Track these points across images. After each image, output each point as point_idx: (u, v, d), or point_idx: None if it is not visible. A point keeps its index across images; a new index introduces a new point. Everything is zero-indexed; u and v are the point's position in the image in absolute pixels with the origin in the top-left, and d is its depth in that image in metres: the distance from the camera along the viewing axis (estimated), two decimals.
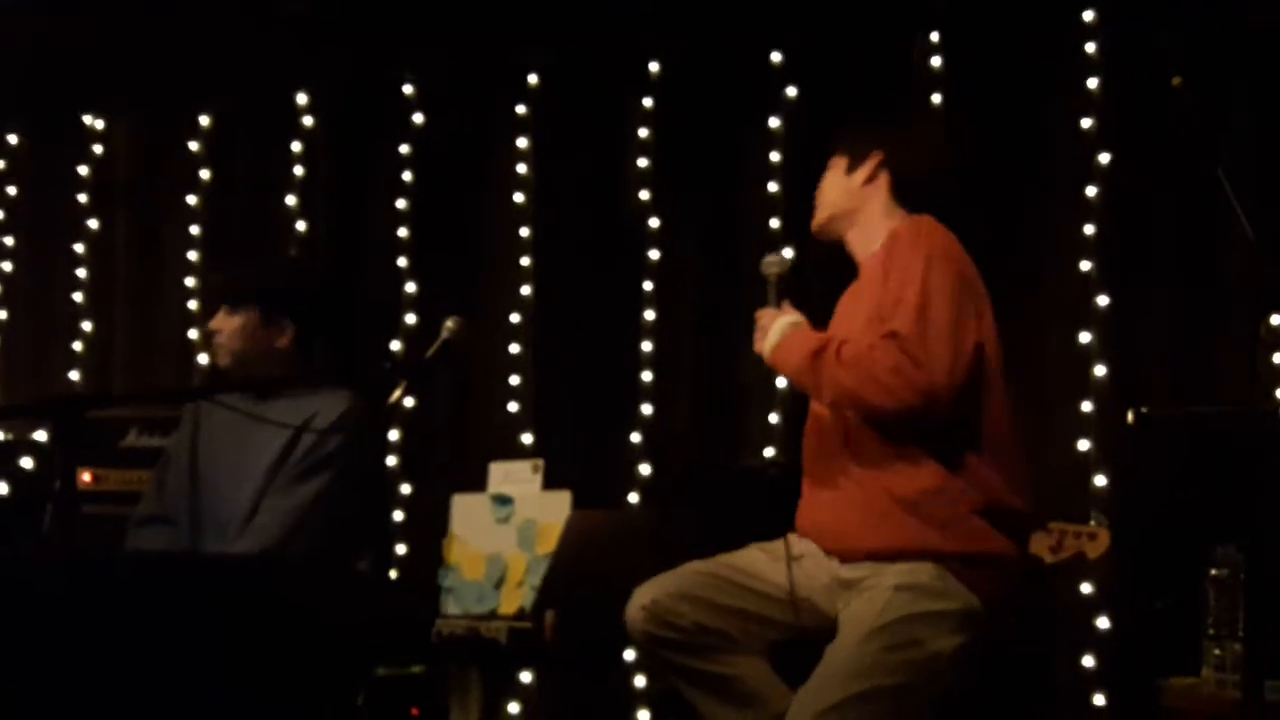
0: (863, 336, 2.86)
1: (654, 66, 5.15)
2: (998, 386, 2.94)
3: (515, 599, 3.54)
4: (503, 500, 3.74)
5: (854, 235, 3.07)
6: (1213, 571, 3.40)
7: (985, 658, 3.06)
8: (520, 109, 5.33)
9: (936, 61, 4.78)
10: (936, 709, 2.81)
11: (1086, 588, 4.40)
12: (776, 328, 2.94)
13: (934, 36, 4.79)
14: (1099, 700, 4.35)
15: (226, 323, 3.37)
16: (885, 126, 3.13)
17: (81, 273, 5.93)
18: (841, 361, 2.81)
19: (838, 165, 3.09)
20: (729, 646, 2.91)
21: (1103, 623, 4.39)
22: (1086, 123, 4.59)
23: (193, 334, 5.56)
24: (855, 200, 3.05)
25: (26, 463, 4.87)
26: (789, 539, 3.01)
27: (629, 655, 4.38)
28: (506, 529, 3.68)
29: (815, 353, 2.85)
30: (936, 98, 4.77)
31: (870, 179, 3.04)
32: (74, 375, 5.86)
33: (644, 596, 2.91)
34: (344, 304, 5.48)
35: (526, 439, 5.16)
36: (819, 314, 3.12)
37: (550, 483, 3.93)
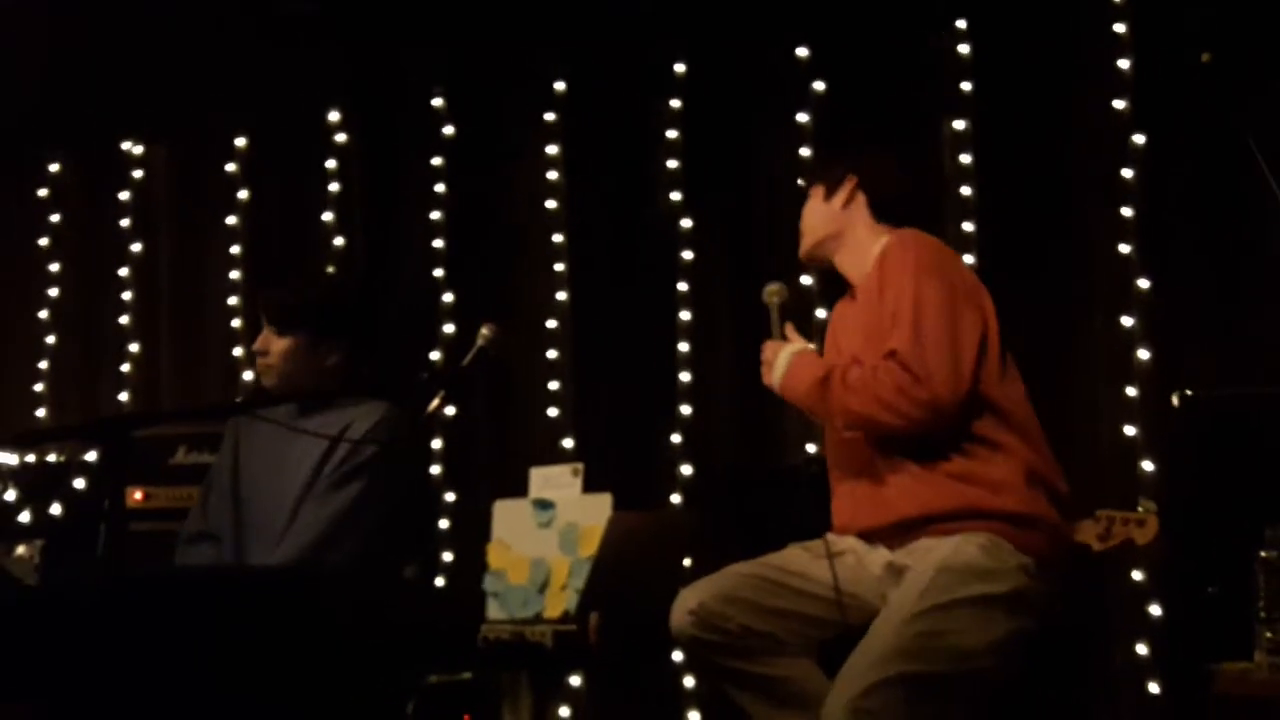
0: (864, 355, 2.94)
1: (680, 67, 5.16)
2: (1014, 373, 2.99)
3: (559, 602, 3.54)
4: (544, 505, 3.75)
5: (843, 257, 3.15)
6: (1262, 554, 3.36)
7: (1034, 645, 3.05)
8: (549, 116, 5.35)
9: (965, 49, 4.76)
10: (980, 699, 2.79)
11: (1138, 575, 4.36)
12: (781, 359, 3.00)
13: (961, 23, 4.76)
14: (1153, 688, 4.31)
15: (274, 344, 3.36)
16: (855, 151, 3.22)
17: (127, 295, 6.01)
18: (848, 386, 2.88)
19: (816, 194, 3.18)
20: (776, 648, 2.91)
21: (1155, 610, 4.35)
22: (1119, 104, 4.55)
23: (237, 351, 5.61)
24: (837, 223, 3.13)
25: (79, 483, 4.93)
26: (828, 538, 3.00)
27: (677, 656, 4.38)
28: (549, 533, 3.69)
29: (821, 380, 2.91)
30: (966, 85, 4.74)
31: (848, 201, 3.12)
32: (123, 396, 5.94)
33: (689, 600, 2.91)
34: (386, 320, 5.53)
35: (567, 443, 5.17)
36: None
37: (591, 486, 3.94)
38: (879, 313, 2.94)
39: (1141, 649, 4.37)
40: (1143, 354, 4.46)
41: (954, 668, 2.73)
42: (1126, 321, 4.50)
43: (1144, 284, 4.48)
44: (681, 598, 2.93)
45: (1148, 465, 4.41)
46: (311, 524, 3.16)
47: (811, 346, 3.06)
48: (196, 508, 3.45)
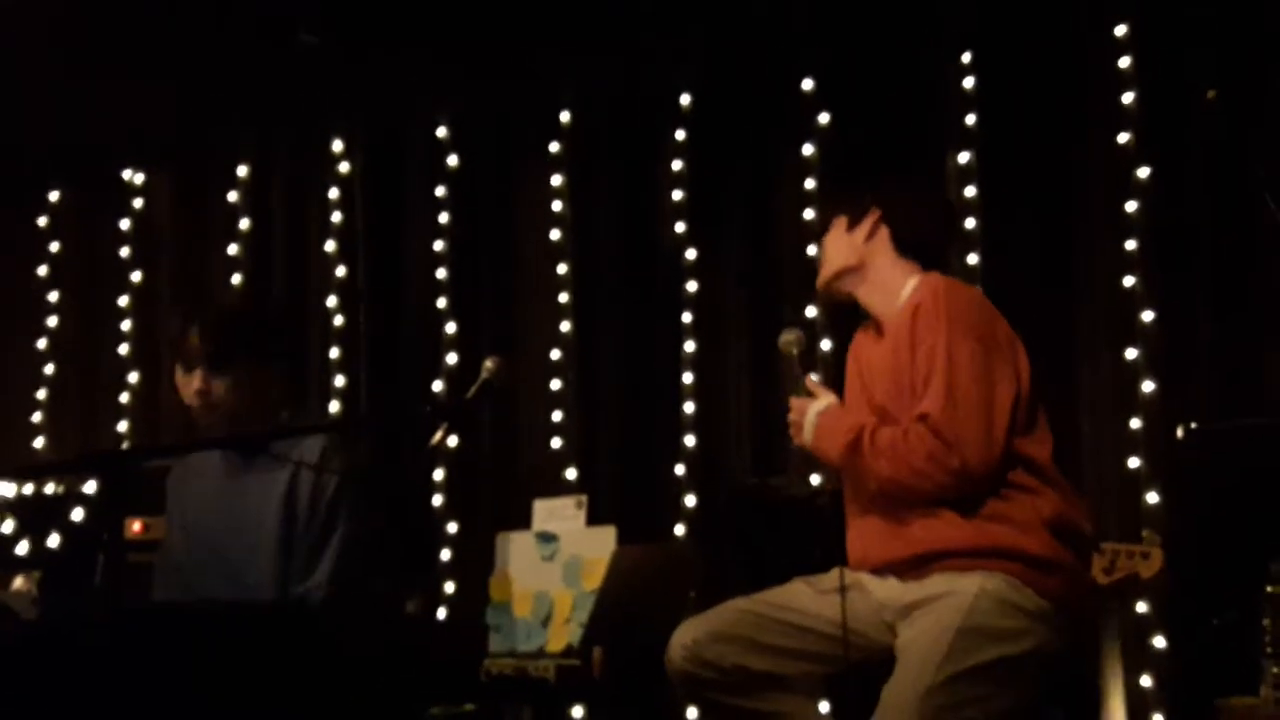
0: (892, 407, 2.91)
1: (685, 99, 5.16)
2: (1043, 421, 2.96)
3: (563, 636, 3.53)
4: (548, 538, 3.74)
5: (866, 291, 3.10)
6: (1269, 589, 3.34)
7: (1052, 693, 3.05)
8: (554, 146, 5.35)
9: (969, 82, 4.76)
10: None
11: (1142, 607, 4.34)
12: (809, 421, 2.96)
13: (965, 57, 4.77)
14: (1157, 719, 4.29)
15: (215, 383, 3.23)
16: (878, 184, 3.16)
17: (126, 325, 6.00)
18: (877, 451, 2.85)
19: (838, 225, 3.13)
20: (772, 684, 2.89)
21: (1159, 642, 4.32)
22: (1123, 138, 4.55)
23: None
24: (859, 255, 3.08)
25: (77, 514, 4.91)
26: (841, 572, 2.97)
27: None
28: (552, 566, 3.68)
29: (851, 444, 2.88)
30: (970, 119, 4.75)
31: (871, 235, 3.08)
32: (121, 426, 5.91)
33: (684, 636, 2.90)
34: (390, 351, 5.54)
35: (570, 475, 5.15)
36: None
37: (596, 517, 3.92)
38: (910, 367, 2.90)
39: (1146, 681, 4.34)
40: (1147, 386, 4.45)
41: None
42: (1131, 354, 4.49)
43: (1148, 317, 4.48)
44: (677, 633, 2.92)
45: (1152, 498, 4.39)
46: (321, 575, 3.13)
47: (834, 399, 3.01)
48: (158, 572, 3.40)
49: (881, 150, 4.77)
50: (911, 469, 2.80)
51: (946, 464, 2.77)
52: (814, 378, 3.14)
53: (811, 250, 4.89)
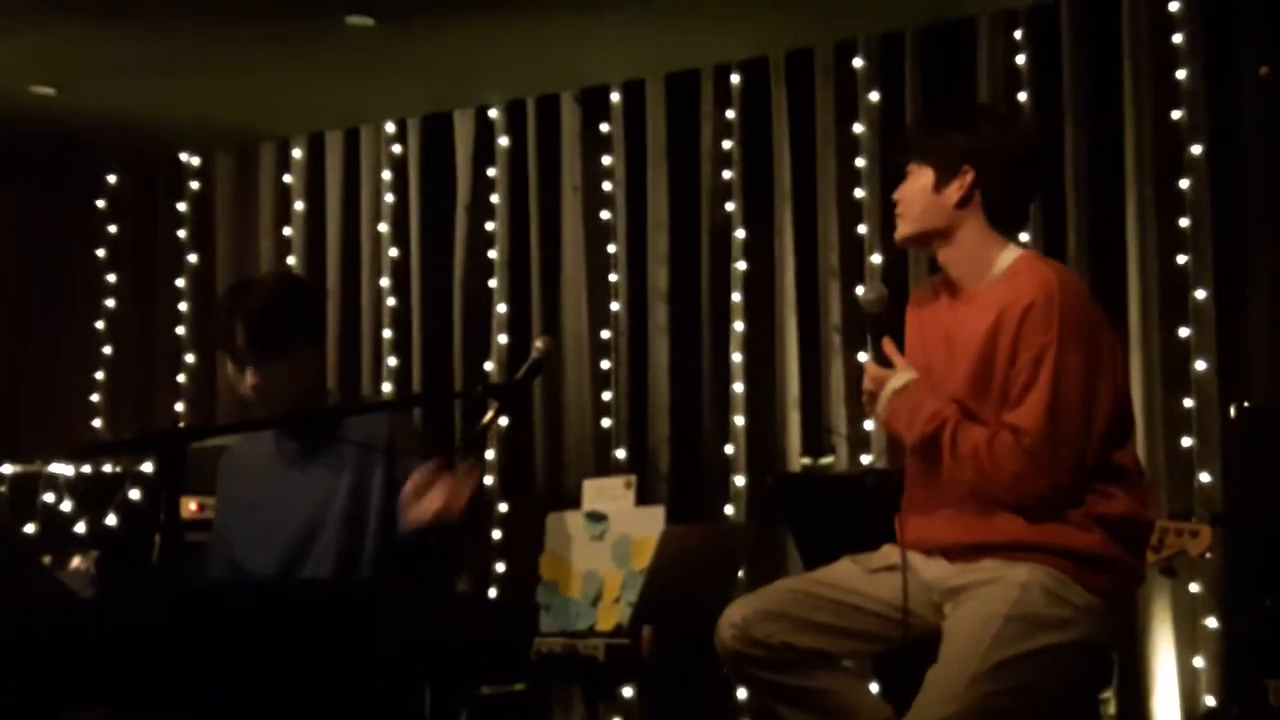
0: (971, 402, 2.78)
1: (735, 79, 5.16)
2: (1130, 418, 2.86)
3: (612, 615, 3.55)
4: (597, 517, 3.76)
5: (949, 254, 2.88)
6: None
7: (1095, 682, 3.03)
8: (604, 127, 5.37)
9: (1021, 59, 4.73)
10: None
11: (1195, 587, 4.32)
12: (884, 397, 2.83)
13: (1018, 34, 4.74)
14: (1209, 701, 4.26)
15: (268, 375, 3.11)
16: (975, 138, 2.84)
17: (183, 306, 6.07)
18: (959, 454, 2.74)
19: (922, 176, 2.87)
20: (820, 663, 2.86)
21: (1211, 623, 4.30)
22: (1177, 114, 4.51)
23: None
24: (947, 220, 2.84)
25: (134, 494, 4.98)
26: (889, 550, 2.95)
27: None
28: (601, 546, 3.70)
29: (928, 438, 2.77)
30: (1023, 95, 4.72)
31: (964, 200, 2.83)
32: (178, 406, 5.99)
33: (734, 615, 2.87)
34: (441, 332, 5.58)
35: (620, 454, 5.18)
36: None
37: (645, 498, 3.94)
38: (1006, 367, 2.74)
39: (1199, 662, 4.33)
40: (1200, 365, 4.42)
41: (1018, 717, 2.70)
42: (1184, 333, 4.45)
43: (1201, 295, 4.44)
44: (727, 612, 2.89)
45: (1205, 477, 4.36)
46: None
47: (913, 375, 2.83)
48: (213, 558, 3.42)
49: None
50: (993, 483, 2.71)
51: (1033, 487, 2.69)
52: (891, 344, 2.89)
53: (862, 229, 4.89)
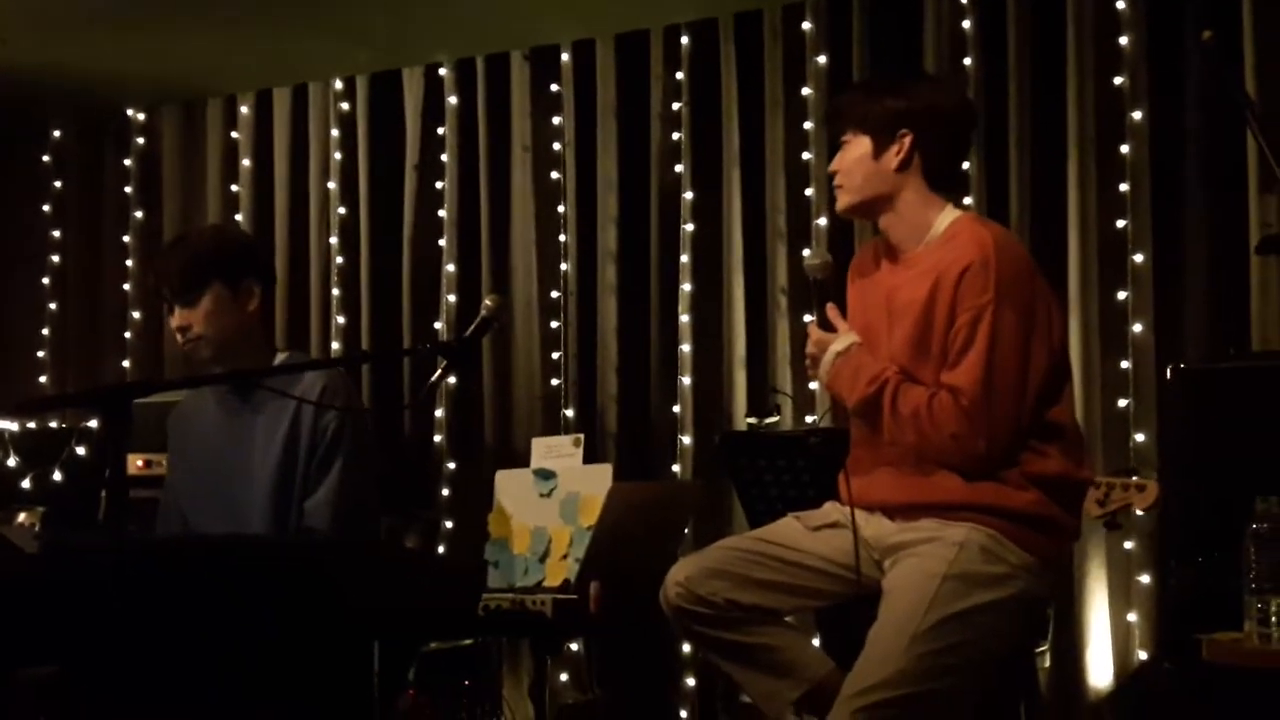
0: (910, 365, 2.82)
1: (684, 40, 5.17)
2: (1068, 376, 2.90)
3: (560, 571, 3.56)
4: (545, 475, 3.77)
5: (890, 220, 2.92)
6: (1253, 526, 3.39)
7: (1030, 638, 3.09)
8: (554, 87, 5.37)
9: (967, 24, 4.77)
10: (978, 694, 2.82)
11: (1129, 544, 4.41)
12: (827, 359, 2.88)
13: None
14: (1142, 655, 4.36)
15: (192, 315, 3.23)
16: (909, 99, 2.87)
17: (130, 263, 6.04)
18: (898, 415, 2.79)
19: (859, 145, 2.90)
20: (764, 619, 2.90)
21: (1145, 579, 4.40)
22: (1119, 80, 4.57)
23: None
24: (890, 186, 2.88)
25: (80, 450, 4.97)
26: (831, 507, 2.99)
27: None
28: (550, 503, 3.70)
29: (869, 399, 2.82)
30: (967, 60, 4.76)
31: (903, 164, 2.87)
32: (125, 363, 5.97)
33: (678, 574, 2.92)
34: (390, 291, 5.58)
35: (569, 413, 5.21)
36: None
37: (593, 456, 3.97)
38: (944, 328, 2.79)
39: (1132, 617, 4.42)
40: (1137, 327, 4.49)
41: (958, 680, 2.74)
42: (1121, 295, 4.53)
43: (1139, 259, 4.51)
44: (673, 571, 2.94)
45: (1140, 437, 4.45)
46: (321, 518, 3.18)
47: (855, 339, 2.88)
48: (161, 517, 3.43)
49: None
50: (931, 443, 2.76)
51: (970, 447, 2.74)
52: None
53: (809, 192, 4.93)
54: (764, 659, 2.89)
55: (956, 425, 2.74)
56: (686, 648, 4.75)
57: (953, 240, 2.86)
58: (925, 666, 2.70)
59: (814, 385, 4.75)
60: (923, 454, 2.82)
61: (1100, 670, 4.46)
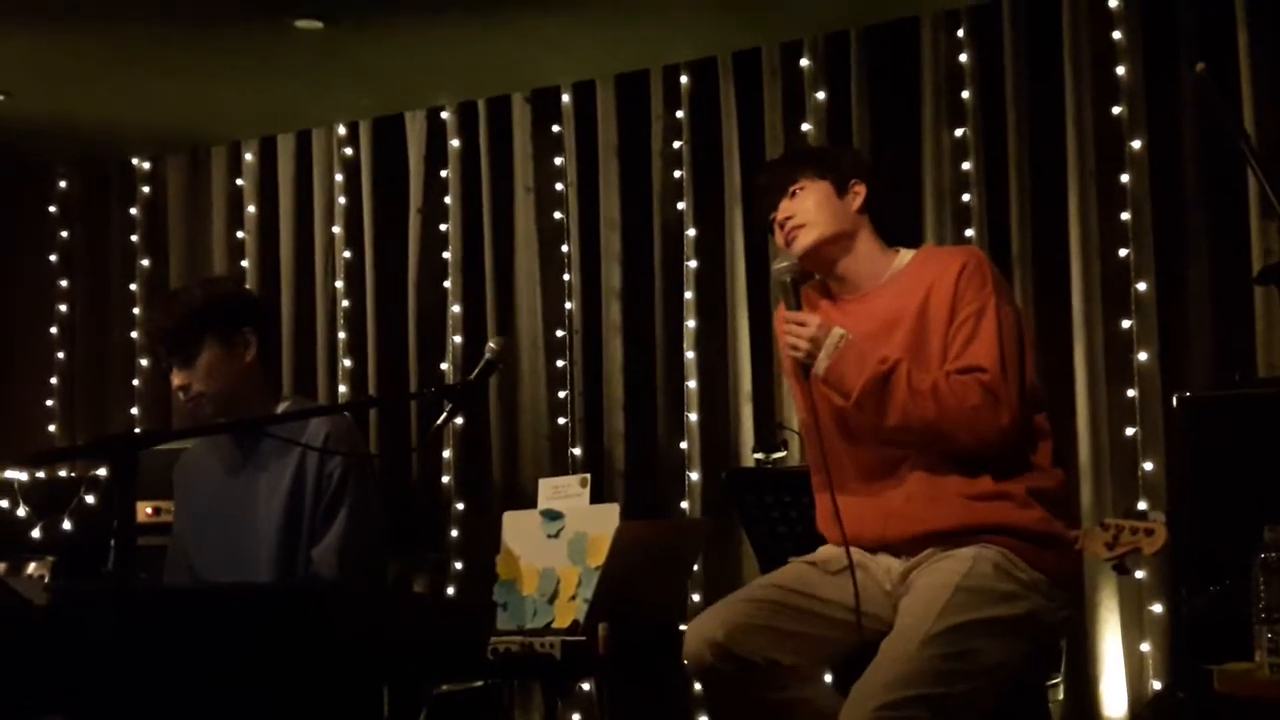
0: (907, 360, 2.84)
1: (684, 79, 5.20)
2: (1044, 397, 2.99)
3: (569, 612, 3.56)
4: (553, 515, 3.78)
5: (849, 262, 2.99)
6: (1262, 555, 3.38)
7: (1045, 660, 3.07)
8: (556, 128, 5.40)
9: (964, 58, 4.80)
10: (989, 710, 2.79)
11: (1141, 574, 4.40)
12: (829, 343, 2.83)
13: (960, 32, 4.80)
14: (1156, 685, 4.34)
15: (191, 374, 3.20)
16: (858, 159, 3.14)
17: (137, 311, 6.06)
18: (914, 390, 2.77)
19: (818, 188, 2.99)
20: (799, 673, 2.83)
21: (1157, 609, 4.38)
22: (1117, 110, 4.58)
23: None
24: (851, 223, 2.98)
25: (89, 499, 4.98)
26: (838, 551, 2.92)
27: (687, 662, 4.41)
28: (557, 544, 3.71)
29: (881, 377, 2.79)
30: (966, 94, 4.78)
31: (862, 208, 3.00)
32: (134, 411, 5.98)
33: (708, 631, 2.78)
34: (395, 334, 5.59)
35: (576, 452, 5.21)
36: None
37: (600, 495, 3.96)
38: (944, 325, 2.84)
39: (1145, 647, 4.40)
40: (1142, 356, 4.49)
41: (969, 687, 2.70)
42: (1126, 324, 4.53)
43: (1142, 287, 4.52)
44: (700, 627, 2.81)
45: (1149, 466, 4.44)
46: (329, 556, 3.17)
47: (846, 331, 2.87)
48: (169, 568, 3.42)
49: (869, 127, 4.80)
50: (950, 415, 2.76)
51: (995, 421, 2.76)
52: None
53: None
54: (804, 713, 2.83)
55: (979, 398, 2.76)
56: (698, 686, 4.73)
57: (930, 259, 2.98)
58: (936, 669, 2.67)
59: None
60: (938, 431, 2.78)
61: (1115, 701, 4.45)
